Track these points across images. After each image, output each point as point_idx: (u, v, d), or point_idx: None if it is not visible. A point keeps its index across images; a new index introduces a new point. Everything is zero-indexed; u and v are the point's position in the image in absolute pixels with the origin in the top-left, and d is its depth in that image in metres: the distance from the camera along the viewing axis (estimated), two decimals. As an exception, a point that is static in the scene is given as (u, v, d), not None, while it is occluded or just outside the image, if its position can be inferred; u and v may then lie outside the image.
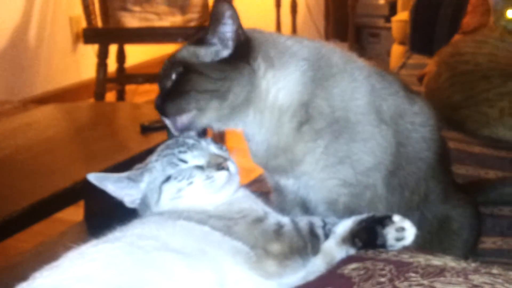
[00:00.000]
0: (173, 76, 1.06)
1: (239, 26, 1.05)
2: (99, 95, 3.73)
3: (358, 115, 1.08)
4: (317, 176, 1.08)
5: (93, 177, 0.99)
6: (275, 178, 1.16)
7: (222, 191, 0.98)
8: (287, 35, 1.14)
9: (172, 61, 1.08)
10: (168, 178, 0.97)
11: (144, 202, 0.99)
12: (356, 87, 1.09)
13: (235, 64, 1.05)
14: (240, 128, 1.11)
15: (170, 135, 1.09)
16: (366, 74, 1.11)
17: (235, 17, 1.04)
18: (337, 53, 1.12)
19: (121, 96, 4.06)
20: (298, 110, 1.06)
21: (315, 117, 1.06)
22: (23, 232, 1.84)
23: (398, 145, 1.11)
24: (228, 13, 1.03)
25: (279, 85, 1.06)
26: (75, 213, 2.53)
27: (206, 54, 1.06)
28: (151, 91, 4.49)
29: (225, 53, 1.05)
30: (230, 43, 1.05)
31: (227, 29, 1.04)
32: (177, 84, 1.05)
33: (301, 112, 1.06)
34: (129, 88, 4.26)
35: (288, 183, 1.12)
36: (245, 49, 1.06)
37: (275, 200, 1.18)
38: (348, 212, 1.07)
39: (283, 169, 1.10)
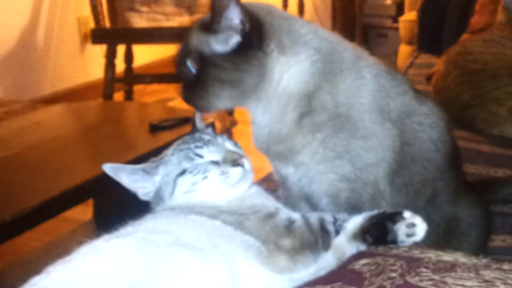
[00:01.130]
0: (190, 67, 1.08)
1: (244, 14, 1.03)
2: (107, 95, 3.74)
3: (361, 113, 1.08)
4: (314, 168, 1.09)
5: (109, 168, 0.99)
6: (277, 168, 1.16)
7: (236, 187, 0.99)
8: (302, 21, 1.13)
9: (186, 51, 1.09)
10: (183, 172, 0.98)
11: (158, 194, 1.00)
12: (362, 84, 1.09)
13: (246, 52, 1.05)
14: (245, 108, 1.12)
15: (194, 128, 1.12)
16: (375, 73, 1.11)
17: (239, 5, 1.03)
18: (349, 50, 1.12)
19: (129, 96, 4.07)
20: (302, 101, 1.07)
21: (317, 110, 1.07)
22: (33, 231, 1.85)
23: (403, 144, 1.11)
24: (230, 2, 1.02)
25: (291, 71, 1.07)
26: (84, 212, 2.55)
27: (216, 42, 1.05)
28: (159, 91, 4.52)
29: (235, 40, 1.05)
30: (238, 30, 1.04)
31: (232, 18, 1.04)
32: (196, 75, 1.07)
33: (304, 103, 1.07)
34: (137, 88, 4.27)
35: (289, 172, 1.13)
36: (256, 35, 1.05)
37: (281, 195, 1.19)
38: (350, 207, 1.07)
39: (283, 156, 1.11)
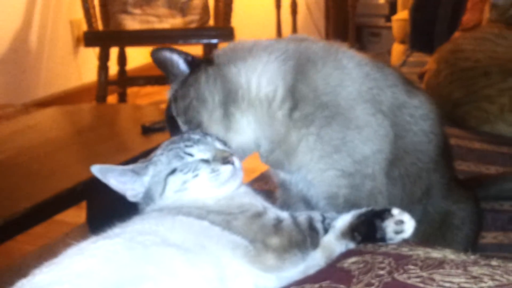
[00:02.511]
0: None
1: (185, 54, 1.14)
2: (101, 98, 3.74)
3: (350, 101, 1.08)
4: (315, 167, 1.09)
5: (97, 169, 0.98)
6: (278, 173, 1.17)
7: (226, 185, 0.99)
8: (255, 39, 1.19)
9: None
10: (173, 171, 0.98)
11: (148, 195, 0.99)
12: (344, 73, 1.10)
13: (195, 71, 1.12)
14: (252, 132, 1.13)
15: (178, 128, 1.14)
16: (357, 63, 1.12)
17: (175, 53, 1.13)
18: (319, 44, 1.15)
19: (122, 98, 4.07)
20: (286, 96, 1.09)
21: (302, 102, 1.08)
22: (26, 235, 1.84)
23: (395, 136, 1.11)
24: (168, 55, 1.13)
25: (258, 72, 1.09)
26: (77, 215, 2.54)
27: (173, 87, 1.15)
28: (152, 93, 4.51)
29: (185, 75, 1.14)
30: (186, 68, 1.13)
31: (179, 65, 1.14)
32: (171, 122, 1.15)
33: (289, 98, 1.08)
34: (131, 90, 4.27)
35: (288, 177, 1.14)
36: (202, 61, 1.14)
37: (280, 196, 1.19)
38: (349, 206, 1.07)
39: (281, 162, 1.11)
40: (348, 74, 1.10)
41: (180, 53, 1.14)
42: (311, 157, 1.08)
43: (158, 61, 1.14)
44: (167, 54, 1.13)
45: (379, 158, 1.09)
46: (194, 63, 1.13)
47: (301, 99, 1.08)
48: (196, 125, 1.10)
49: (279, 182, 1.19)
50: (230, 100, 1.10)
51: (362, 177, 1.09)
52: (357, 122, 1.08)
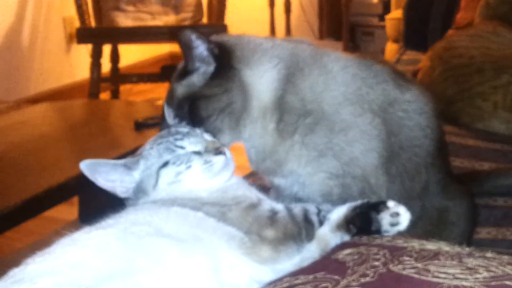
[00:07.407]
0: (185, 112, 1.10)
1: (208, 42, 1.11)
2: (93, 95, 3.72)
3: (334, 106, 1.09)
4: (304, 172, 1.09)
5: (85, 165, 0.98)
6: (269, 178, 1.17)
7: (219, 176, 0.99)
8: (263, 37, 1.18)
9: (175, 103, 1.12)
10: (165, 164, 0.98)
11: (140, 188, 0.99)
12: (329, 78, 1.10)
13: (225, 73, 1.10)
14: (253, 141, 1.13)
15: (165, 123, 1.12)
16: (343, 66, 1.12)
17: (201, 37, 1.10)
18: (306, 51, 1.15)
19: (115, 96, 4.05)
20: (275, 108, 1.09)
21: (287, 113, 1.09)
22: (16, 231, 1.83)
23: (389, 133, 1.11)
24: (193, 37, 1.09)
25: (263, 81, 1.10)
26: (69, 212, 2.53)
27: (198, 78, 1.11)
28: (145, 90, 4.50)
29: (211, 68, 1.10)
30: (210, 59, 1.10)
31: (201, 50, 1.10)
32: (192, 116, 1.10)
33: (277, 109, 1.09)
34: (124, 88, 4.25)
35: (281, 181, 1.14)
36: (224, 56, 1.11)
37: (273, 196, 1.19)
38: (343, 202, 1.07)
39: (272, 170, 1.12)
40: (333, 78, 1.10)
41: (207, 41, 1.11)
42: (299, 163, 1.09)
43: (182, 42, 1.11)
44: (194, 37, 1.10)
45: (371, 157, 1.09)
46: (220, 59, 1.11)
47: (287, 110, 1.09)
48: (213, 129, 1.09)
49: (272, 184, 1.18)
50: (247, 110, 1.10)
51: (351, 178, 1.09)
52: (342, 125, 1.08)
